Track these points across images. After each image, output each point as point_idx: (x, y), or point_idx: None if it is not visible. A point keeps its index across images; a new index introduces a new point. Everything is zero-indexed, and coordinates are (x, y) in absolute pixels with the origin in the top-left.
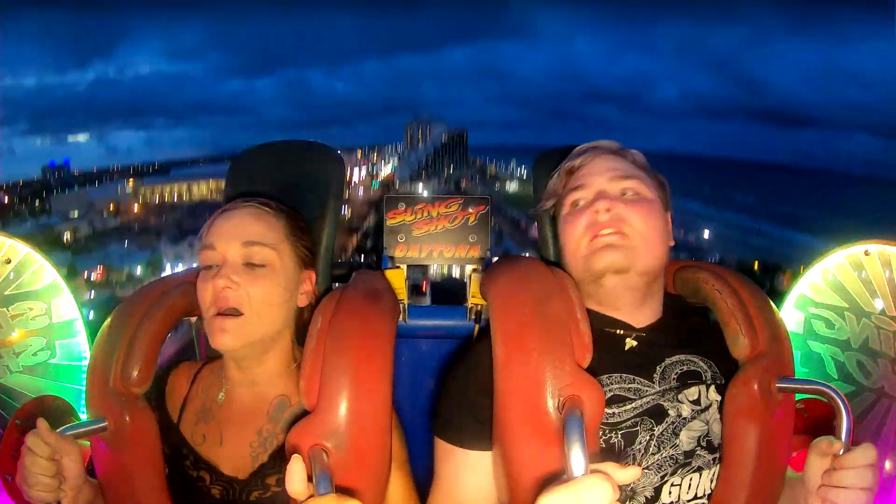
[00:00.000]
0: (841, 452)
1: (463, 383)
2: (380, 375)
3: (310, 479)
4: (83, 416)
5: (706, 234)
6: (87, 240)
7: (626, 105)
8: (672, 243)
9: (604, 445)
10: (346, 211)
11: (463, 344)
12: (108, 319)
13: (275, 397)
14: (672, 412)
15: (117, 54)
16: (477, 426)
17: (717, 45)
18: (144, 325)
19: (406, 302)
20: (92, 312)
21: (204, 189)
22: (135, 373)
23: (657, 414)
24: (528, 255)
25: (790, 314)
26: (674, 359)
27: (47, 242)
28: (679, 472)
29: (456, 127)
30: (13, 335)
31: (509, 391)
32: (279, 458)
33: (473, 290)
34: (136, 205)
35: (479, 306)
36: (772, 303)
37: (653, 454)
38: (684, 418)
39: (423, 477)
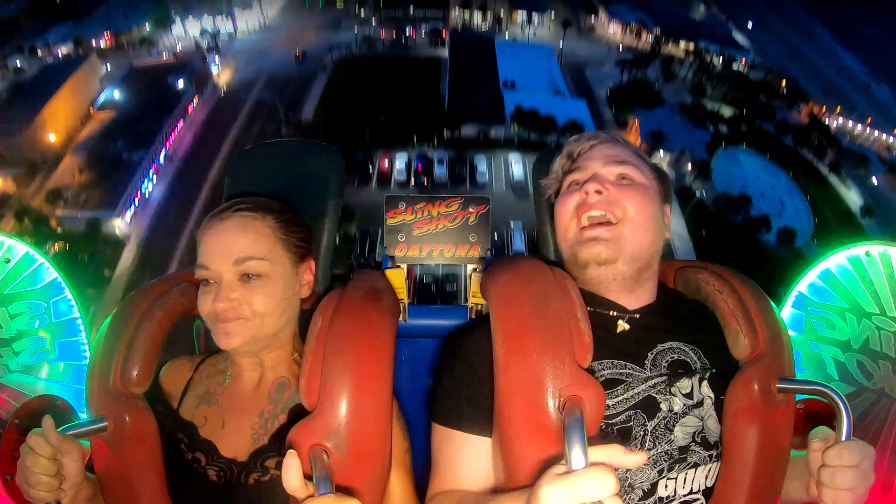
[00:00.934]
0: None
1: (458, 370)
2: (380, 375)
3: (310, 478)
4: (83, 416)
5: None
6: None
7: None
8: (668, 235)
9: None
10: None
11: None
12: (109, 319)
13: (275, 378)
14: (664, 406)
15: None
16: (475, 411)
17: None
18: (144, 325)
19: (406, 301)
20: (116, 92)
21: None
22: (135, 373)
23: (649, 407)
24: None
25: (790, 315)
26: (665, 345)
27: (38, 11)
28: (675, 467)
29: None
30: (13, 335)
31: (510, 391)
32: (279, 441)
33: (473, 290)
34: None
35: (480, 306)
36: (772, 303)
37: (649, 449)
38: (676, 413)
39: (423, 475)
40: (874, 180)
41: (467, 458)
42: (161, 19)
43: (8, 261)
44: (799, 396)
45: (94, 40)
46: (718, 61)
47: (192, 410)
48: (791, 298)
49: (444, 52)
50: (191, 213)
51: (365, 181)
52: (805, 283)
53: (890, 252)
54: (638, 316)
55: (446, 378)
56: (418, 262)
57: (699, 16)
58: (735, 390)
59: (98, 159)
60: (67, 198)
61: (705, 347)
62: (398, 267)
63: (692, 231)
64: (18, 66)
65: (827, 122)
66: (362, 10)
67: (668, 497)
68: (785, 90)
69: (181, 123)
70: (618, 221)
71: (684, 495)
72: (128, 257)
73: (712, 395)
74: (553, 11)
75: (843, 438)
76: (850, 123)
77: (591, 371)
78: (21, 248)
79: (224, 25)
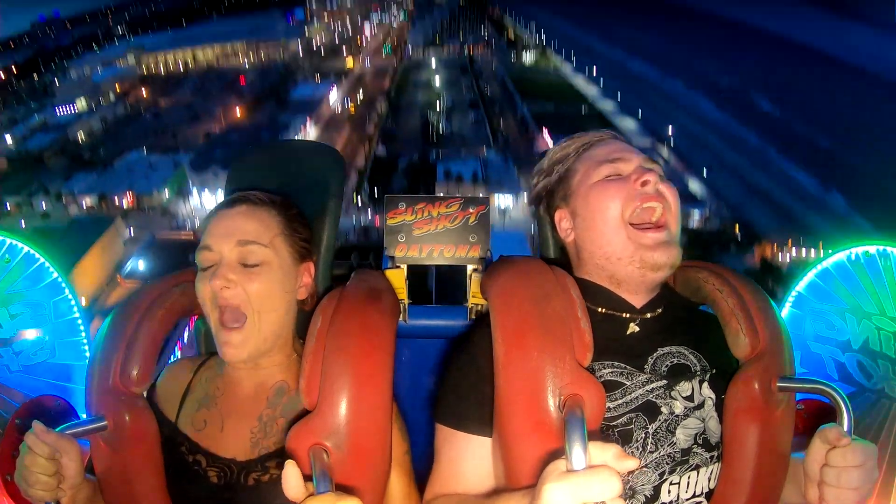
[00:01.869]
0: None
1: (463, 371)
2: (380, 375)
3: (309, 478)
4: (83, 416)
5: None
6: (100, 143)
7: None
8: None
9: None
10: (360, 94)
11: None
12: (109, 319)
13: (274, 383)
14: (665, 409)
15: None
16: (477, 411)
17: None
18: (144, 325)
19: (406, 302)
20: (141, 262)
21: (209, 54)
22: (134, 372)
23: (649, 411)
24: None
25: (790, 315)
26: (666, 349)
27: (62, 153)
28: (677, 470)
29: None
30: (13, 334)
31: (510, 389)
32: (279, 442)
33: (473, 290)
34: (143, 89)
35: (480, 306)
36: (772, 302)
37: (651, 452)
38: (677, 416)
39: (423, 475)
40: None
41: (468, 458)
42: (180, 188)
43: (8, 261)
44: (799, 396)
45: (117, 198)
46: None
47: (192, 414)
48: (791, 298)
49: None
50: None
51: None
52: (805, 283)
53: (890, 252)
54: (648, 316)
55: (450, 378)
56: (418, 262)
57: None
58: (735, 389)
59: None
60: None
61: (705, 349)
62: (398, 267)
63: None
64: (44, 209)
65: (781, 259)
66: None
67: (670, 502)
68: (739, 235)
69: None
70: (666, 223)
71: (687, 499)
72: None
73: (713, 396)
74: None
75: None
76: (804, 252)
77: (591, 371)
78: (21, 248)
79: None
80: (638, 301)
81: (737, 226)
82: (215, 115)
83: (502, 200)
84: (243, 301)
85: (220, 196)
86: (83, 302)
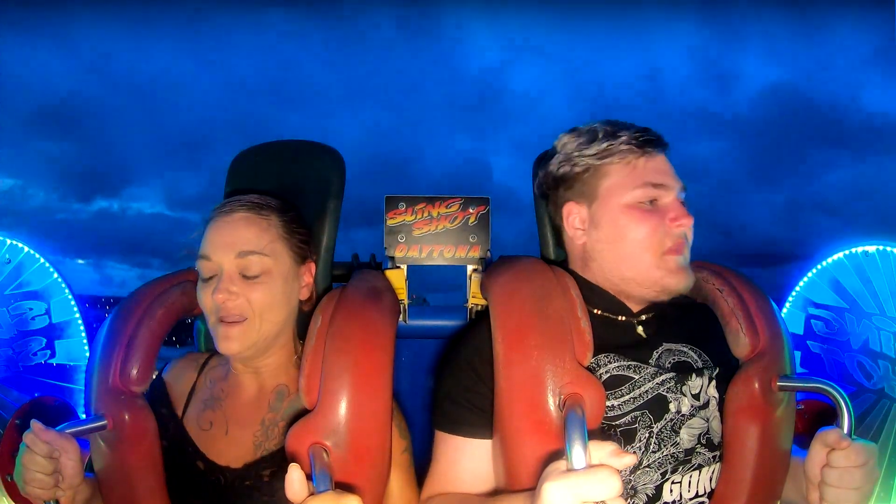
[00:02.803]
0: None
1: (458, 373)
2: (380, 374)
3: (309, 477)
4: (82, 416)
5: None
6: None
7: None
8: None
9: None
10: None
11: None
12: (108, 318)
13: (275, 386)
14: (673, 406)
15: (122, 195)
16: (474, 414)
17: None
18: (144, 324)
19: (406, 302)
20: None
21: None
22: (134, 371)
23: (656, 408)
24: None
25: (790, 315)
26: (668, 346)
27: None
28: (679, 469)
29: None
30: (13, 334)
31: (510, 389)
32: (280, 445)
33: (473, 290)
34: None
35: (480, 306)
36: (772, 302)
37: (654, 452)
38: (683, 415)
39: (423, 474)
40: None
41: (466, 461)
42: None
43: (8, 261)
44: (799, 396)
45: None
46: None
47: (197, 414)
48: (791, 298)
49: None
50: None
51: None
52: (805, 283)
53: (890, 252)
54: (643, 318)
55: (445, 381)
56: (418, 262)
57: None
58: (735, 389)
59: None
60: None
61: (706, 346)
62: (398, 267)
63: None
64: None
65: None
66: None
67: (672, 502)
68: None
69: None
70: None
71: (690, 499)
72: None
73: (717, 396)
74: None
75: (845, 434)
76: None
77: (596, 365)
78: (21, 247)
79: None
80: (636, 307)
81: None
82: None
83: None
84: (245, 309)
85: None
86: None
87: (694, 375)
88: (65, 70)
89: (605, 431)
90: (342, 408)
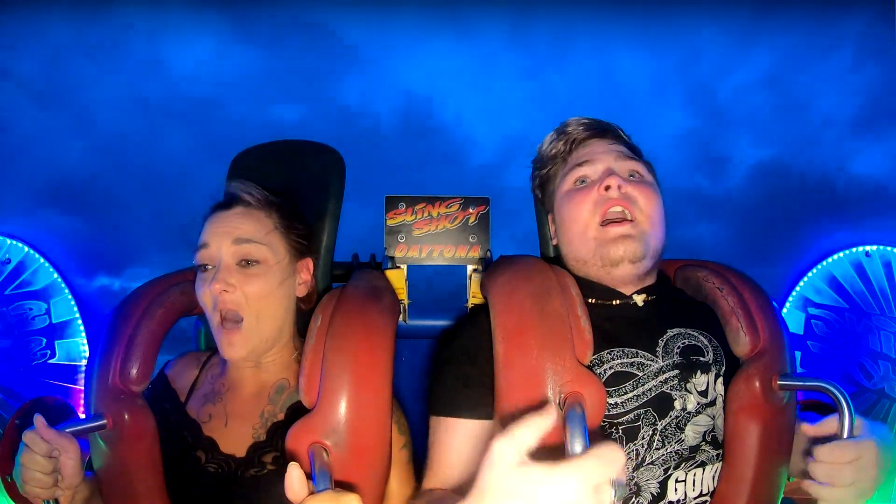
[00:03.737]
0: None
1: (449, 360)
2: (380, 374)
3: (309, 476)
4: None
5: None
6: None
7: None
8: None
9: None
10: None
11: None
12: (108, 319)
13: (276, 381)
14: (678, 404)
15: (124, 275)
16: (473, 394)
17: None
18: (144, 324)
19: (406, 302)
20: None
21: None
22: (134, 371)
23: (661, 405)
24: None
25: (791, 315)
26: (675, 331)
27: None
28: (683, 465)
29: None
30: (14, 334)
31: (510, 387)
32: (277, 437)
33: (473, 290)
34: None
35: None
36: (772, 301)
37: (657, 449)
38: (689, 412)
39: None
40: None
41: (463, 443)
42: None
43: (8, 261)
44: (800, 396)
45: None
46: None
47: (197, 408)
48: (791, 298)
49: None
50: None
51: None
52: (805, 283)
53: (890, 252)
54: (639, 299)
55: (437, 370)
56: (418, 262)
57: None
58: (736, 388)
59: None
60: None
61: (715, 335)
62: (398, 267)
63: None
64: None
65: None
66: None
67: (677, 501)
68: None
69: None
70: (633, 219)
71: (694, 498)
72: None
73: (723, 393)
74: None
75: (845, 433)
76: None
77: (599, 361)
78: (22, 248)
79: None
80: (627, 290)
81: None
82: None
83: None
84: (241, 305)
85: None
86: None
87: (699, 372)
88: (79, 146)
89: (607, 430)
90: (342, 407)
